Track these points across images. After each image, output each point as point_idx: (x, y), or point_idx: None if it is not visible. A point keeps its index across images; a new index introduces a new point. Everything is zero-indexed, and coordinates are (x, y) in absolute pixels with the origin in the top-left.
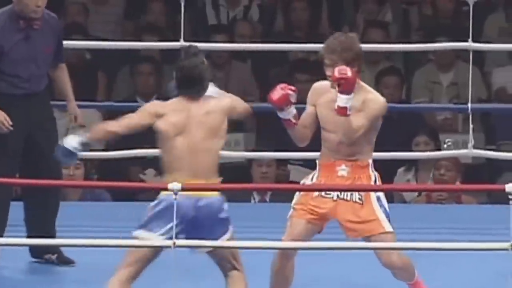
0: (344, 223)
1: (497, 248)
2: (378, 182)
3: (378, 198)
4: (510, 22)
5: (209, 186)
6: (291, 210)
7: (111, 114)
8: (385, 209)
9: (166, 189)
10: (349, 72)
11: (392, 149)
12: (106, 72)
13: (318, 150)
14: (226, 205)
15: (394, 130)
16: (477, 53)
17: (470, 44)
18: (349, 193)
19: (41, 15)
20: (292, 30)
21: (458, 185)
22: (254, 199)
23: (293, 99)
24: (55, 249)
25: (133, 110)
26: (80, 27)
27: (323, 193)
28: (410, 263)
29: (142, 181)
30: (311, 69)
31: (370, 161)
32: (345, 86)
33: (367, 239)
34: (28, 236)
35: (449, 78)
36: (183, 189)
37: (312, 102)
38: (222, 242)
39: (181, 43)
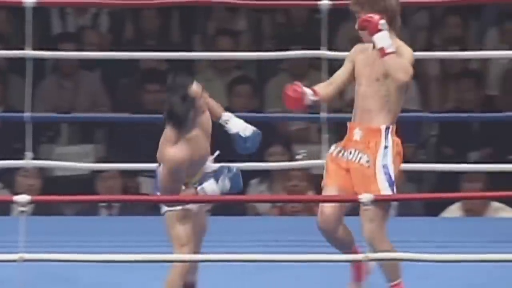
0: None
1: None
2: (390, 149)
3: (385, 166)
4: None
5: (64, 198)
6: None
7: None
8: (389, 176)
9: (12, 202)
10: (373, 17)
11: (244, 159)
12: None
13: None
14: None
15: None
16: (330, 62)
17: (323, 53)
18: (357, 157)
19: None
20: (143, 38)
21: (313, 195)
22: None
23: (308, 94)
24: None
25: None
26: None
27: (339, 155)
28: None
29: None
30: (161, 79)
31: (384, 127)
32: (370, 29)
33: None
34: None
35: None
36: (32, 202)
37: (351, 58)
38: (73, 255)
39: (26, 51)
